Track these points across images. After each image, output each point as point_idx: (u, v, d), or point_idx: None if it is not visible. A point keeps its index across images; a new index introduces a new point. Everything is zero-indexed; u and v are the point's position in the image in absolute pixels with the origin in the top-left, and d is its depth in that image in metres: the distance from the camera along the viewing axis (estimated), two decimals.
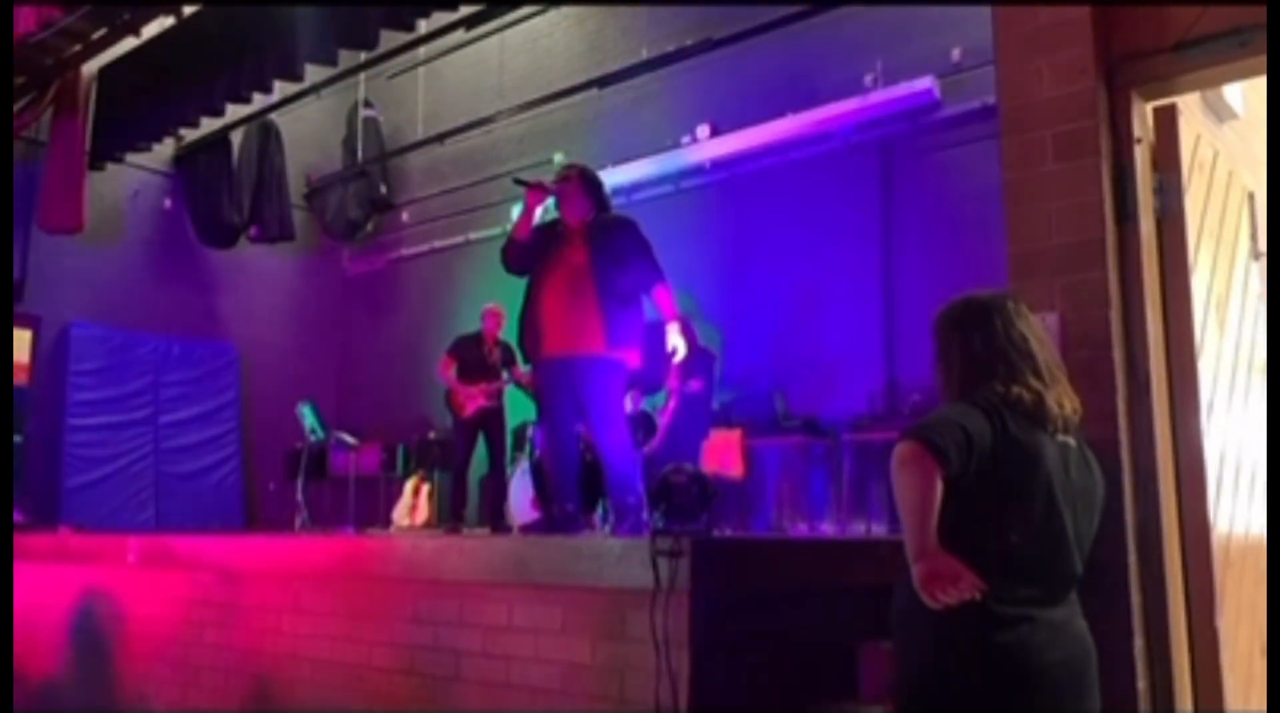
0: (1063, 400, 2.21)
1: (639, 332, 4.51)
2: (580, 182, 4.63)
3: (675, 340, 4.53)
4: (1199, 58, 2.72)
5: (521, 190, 4.67)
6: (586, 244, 4.47)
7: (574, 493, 4.59)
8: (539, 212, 4.69)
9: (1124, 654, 2.52)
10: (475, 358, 7.13)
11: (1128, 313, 2.70)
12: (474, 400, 7.02)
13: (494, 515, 7.20)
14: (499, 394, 7.13)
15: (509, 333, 6.59)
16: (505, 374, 7.09)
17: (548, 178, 4.80)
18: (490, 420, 7.13)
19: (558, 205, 4.68)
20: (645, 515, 4.10)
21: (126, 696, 4.86)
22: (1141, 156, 2.79)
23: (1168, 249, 2.81)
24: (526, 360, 4.69)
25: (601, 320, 4.33)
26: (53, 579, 5.51)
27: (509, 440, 7.64)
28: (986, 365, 2.23)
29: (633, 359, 4.46)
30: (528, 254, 4.57)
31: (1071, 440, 2.22)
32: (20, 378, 9.39)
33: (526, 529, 5.21)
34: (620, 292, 4.41)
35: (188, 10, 7.90)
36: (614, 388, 4.46)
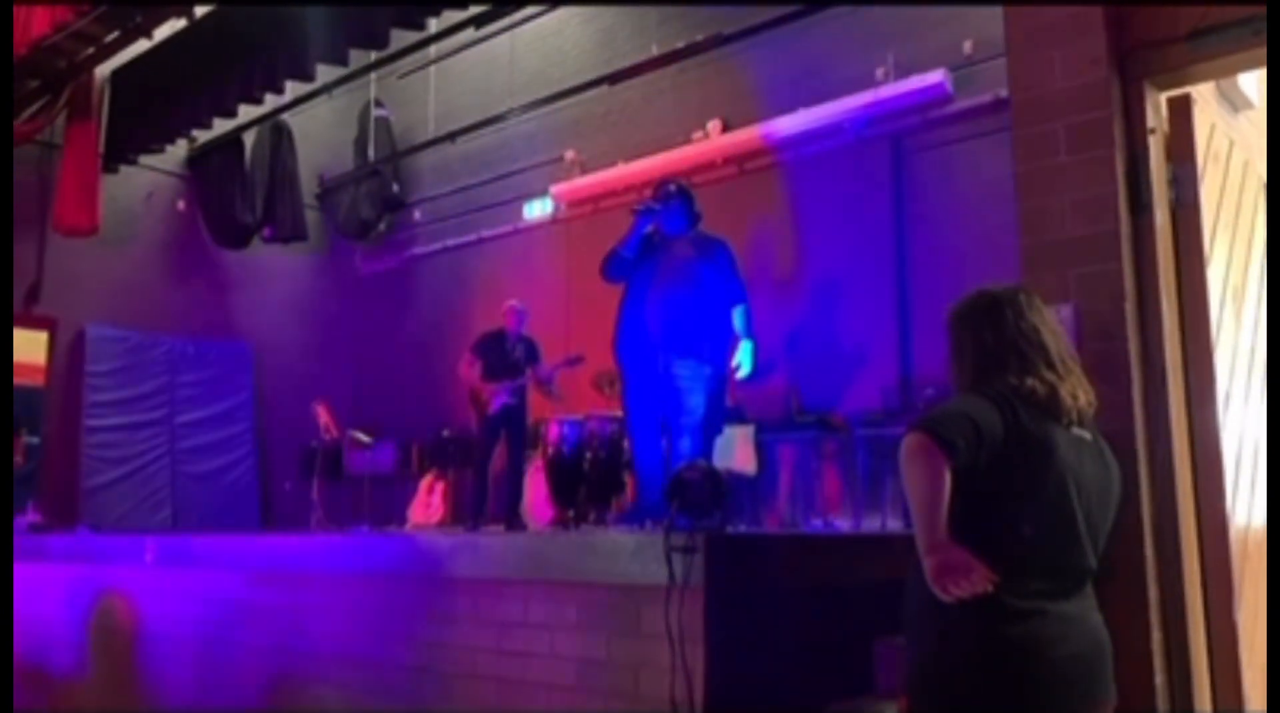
0: (1076, 392, 2.20)
1: (729, 348, 4.92)
2: (681, 198, 5.09)
3: (744, 358, 4.97)
4: (1212, 47, 2.70)
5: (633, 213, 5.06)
6: (693, 253, 4.89)
7: (659, 485, 4.84)
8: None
9: (1141, 649, 2.51)
10: (497, 355, 7.14)
11: (1143, 305, 2.68)
12: (498, 397, 7.03)
13: (510, 513, 7.21)
14: (522, 391, 7.14)
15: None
16: (528, 370, 7.11)
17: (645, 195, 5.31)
18: (512, 417, 7.15)
19: (659, 219, 5.05)
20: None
21: (145, 695, 4.90)
22: (1155, 147, 2.77)
23: (1183, 240, 2.79)
24: (619, 359, 4.97)
25: (706, 326, 4.78)
26: (71, 579, 5.54)
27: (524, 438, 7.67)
28: (998, 358, 2.22)
29: (721, 370, 4.87)
30: (627, 266, 4.99)
31: (1086, 433, 2.21)
32: (36, 379, 9.46)
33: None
34: (720, 302, 4.87)
35: (199, 12, 7.93)
36: (697, 393, 4.78)
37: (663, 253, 4.96)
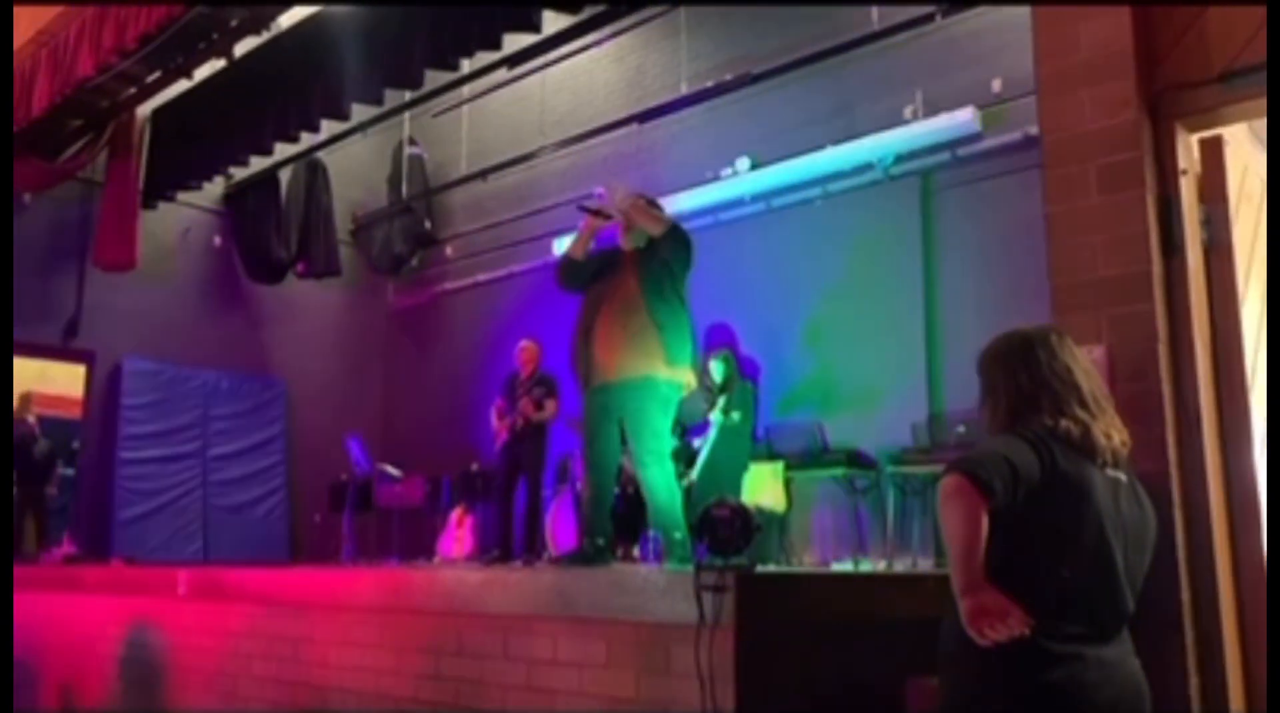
0: (1110, 432, 2.19)
1: (686, 357, 4.51)
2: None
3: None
4: (1244, 88, 2.70)
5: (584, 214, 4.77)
6: (638, 269, 4.53)
7: (606, 527, 4.60)
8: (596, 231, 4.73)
9: (1179, 694, 2.47)
10: (512, 394, 7.36)
11: (1176, 346, 2.67)
12: (500, 436, 7.27)
13: (526, 547, 7.24)
14: (526, 428, 7.27)
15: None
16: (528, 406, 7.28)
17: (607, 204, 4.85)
18: (519, 452, 7.28)
19: (620, 232, 4.71)
20: (691, 550, 4.08)
21: None
22: (1187, 188, 2.77)
23: (1216, 281, 2.78)
24: (582, 389, 4.65)
25: (653, 341, 4.37)
26: (104, 610, 5.59)
27: (546, 471, 7.77)
28: (1032, 398, 2.21)
29: (679, 384, 4.47)
30: (580, 273, 4.65)
31: (1122, 475, 2.19)
32: (74, 412, 9.60)
33: (557, 560, 5.20)
34: (670, 306, 4.44)
35: (239, 53, 8.10)
36: (658, 418, 4.45)
37: (619, 274, 4.56)
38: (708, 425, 7.09)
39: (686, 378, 4.52)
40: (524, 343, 7.60)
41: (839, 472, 7.24)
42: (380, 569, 5.01)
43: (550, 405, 7.24)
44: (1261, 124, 3.15)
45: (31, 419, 9.03)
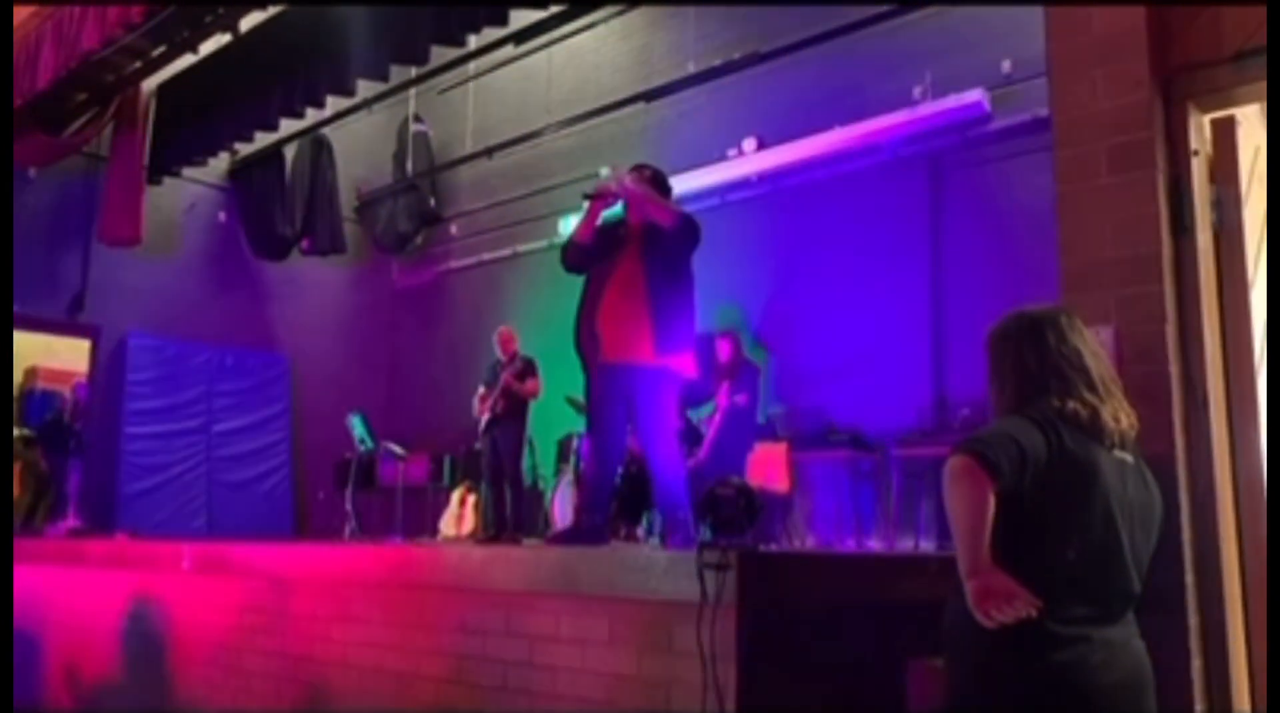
0: (1118, 415, 2.18)
1: (691, 338, 4.45)
2: (651, 186, 4.59)
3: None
4: (1258, 69, 2.67)
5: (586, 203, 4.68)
6: (642, 248, 4.45)
7: (605, 506, 4.57)
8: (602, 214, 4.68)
9: (1182, 676, 2.47)
10: (494, 377, 7.43)
11: (1185, 328, 2.66)
12: (482, 416, 7.35)
13: (498, 524, 7.27)
14: (503, 409, 7.30)
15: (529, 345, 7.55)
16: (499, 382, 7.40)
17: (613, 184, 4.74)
18: (496, 430, 7.35)
19: (625, 208, 4.61)
20: (694, 530, 4.07)
21: (179, 700, 4.94)
22: (1199, 169, 2.75)
23: (1226, 263, 2.76)
24: (584, 368, 4.58)
25: (653, 326, 4.30)
26: (109, 584, 5.61)
27: (538, 454, 7.85)
28: (1040, 380, 2.20)
29: (686, 366, 4.41)
30: (587, 255, 4.58)
31: (1129, 457, 2.18)
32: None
33: (553, 540, 5.17)
34: (673, 286, 4.36)
35: (244, 28, 8.06)
36: (667, 398, 4.40)
37: (623, 251, 4.46)
38: (714, 407, 7.09)
39: (688, 358, 4.46)
40: (502, 329, 7.74)
41: (844, 453, 7.24)
42: (383, 546, 5.03)
43: (531, 382, 7.31)
44: None
45: (68, 394, 8.99)
